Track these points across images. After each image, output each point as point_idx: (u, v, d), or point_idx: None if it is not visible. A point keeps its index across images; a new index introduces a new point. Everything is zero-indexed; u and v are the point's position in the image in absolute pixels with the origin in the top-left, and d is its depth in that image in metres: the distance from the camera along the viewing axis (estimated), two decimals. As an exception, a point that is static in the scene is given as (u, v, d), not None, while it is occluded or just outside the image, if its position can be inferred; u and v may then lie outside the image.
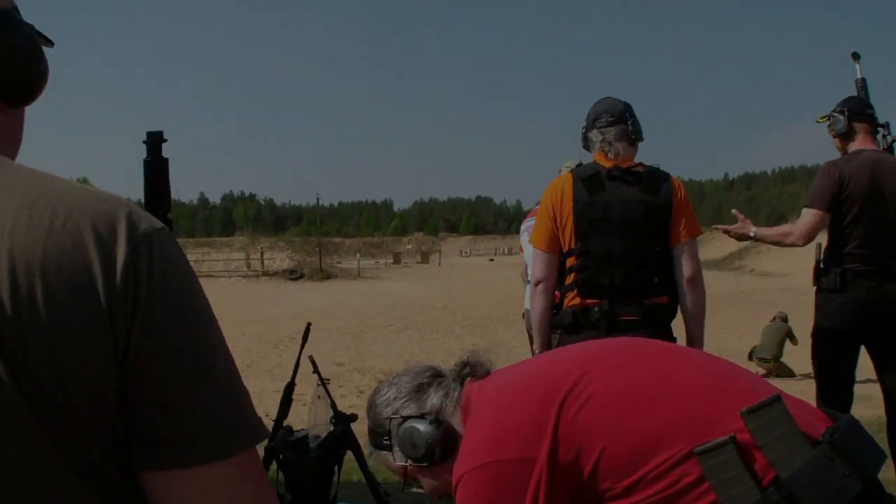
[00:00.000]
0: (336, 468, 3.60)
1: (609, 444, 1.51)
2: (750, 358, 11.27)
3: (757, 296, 25.19)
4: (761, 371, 11.25)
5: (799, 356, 12.61)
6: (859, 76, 4.14)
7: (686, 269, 3.12)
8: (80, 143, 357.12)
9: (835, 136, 3.91)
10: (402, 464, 1.76)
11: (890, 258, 3.78)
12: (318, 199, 59.96)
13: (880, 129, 4.04)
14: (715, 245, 56.17)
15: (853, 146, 3.85)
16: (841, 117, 3.86)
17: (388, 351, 13.55)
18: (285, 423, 3.81)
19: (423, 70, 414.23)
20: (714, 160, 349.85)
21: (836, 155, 3.96)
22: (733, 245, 64.24)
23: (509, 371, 1.80)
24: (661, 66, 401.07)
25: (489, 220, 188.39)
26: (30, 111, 0.99)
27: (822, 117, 4.01)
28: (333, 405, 3.68)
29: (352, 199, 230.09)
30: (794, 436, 1.46)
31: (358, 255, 56.28)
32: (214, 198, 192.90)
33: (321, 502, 3.58)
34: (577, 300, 3.14)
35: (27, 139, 0.98)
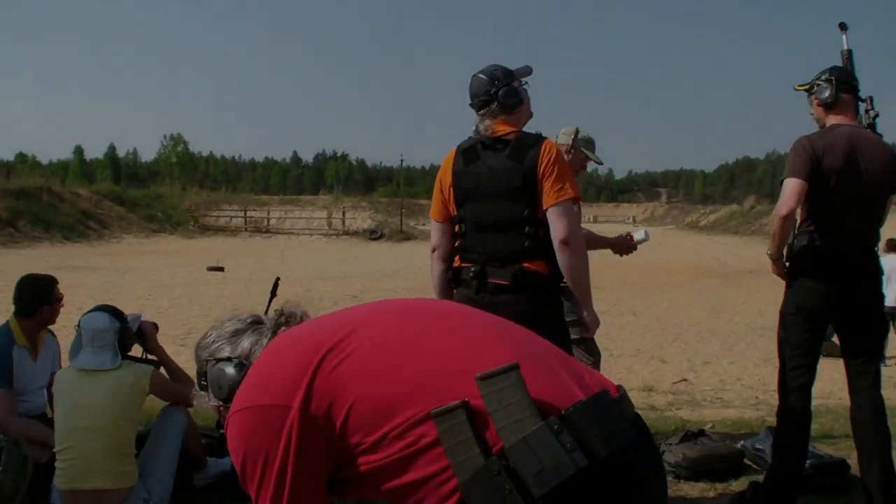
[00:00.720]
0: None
1: (358, 399, 1.51)
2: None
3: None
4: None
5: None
6: (846, 47, 3.94)
7: (556, 231, 3.09)
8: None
9: (818, 105, 3.72)
10: (215, 404, 1.82)
11: (865, 238, 3.65)
12: (401, 160, 60.44)
13: (862, 103, 3.85)
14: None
15: (832, 119, 3.67)
16: (827, 85, 3.66)
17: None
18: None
19: (515, 36, 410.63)
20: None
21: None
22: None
23: (309, 321, 1.81)
24: (755, 36, 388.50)
25: (580, 187, 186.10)
26: None
27: (802, 84, 3.83)
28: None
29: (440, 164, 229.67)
30: (525, 405, 1.42)
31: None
32: (307, 156, 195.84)
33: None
34: (459, 263, 3.30)
35: None
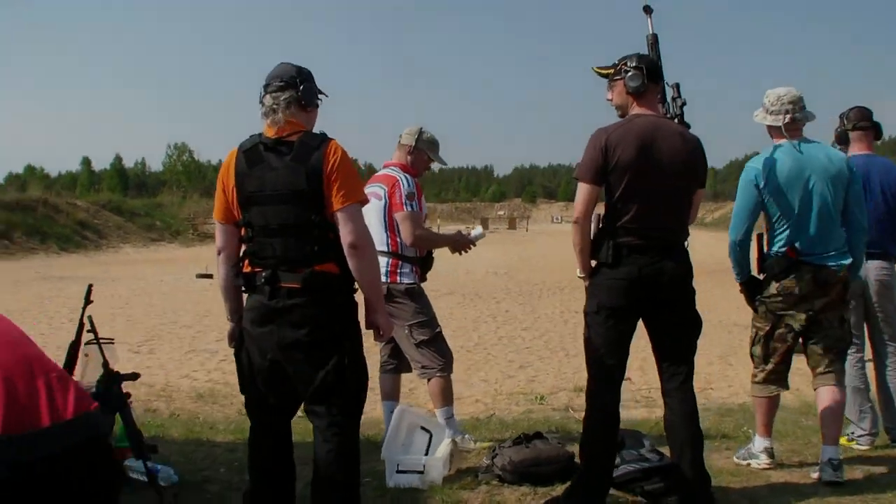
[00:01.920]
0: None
1: None
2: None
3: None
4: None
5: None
6: (651, 31, 3.87)
7: (344, 236, 3.04)
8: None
9: (627, 94, 3.60)
10: None
11: (666, 232, 3.55)
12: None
13: (670, 88, 3.77)
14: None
15: (637, 109, 3.59)
16: (639, 73, 3.55)
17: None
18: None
19: (531, 34, 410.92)
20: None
21: None
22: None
23: None
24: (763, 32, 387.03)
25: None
26: None
27: (605, 68, 3.71)
28: (105, 364, 3.71)
29: (454, 165, 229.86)
30: None
31: (438, 220, 56.73)
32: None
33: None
34: (249, 269, 3.20)
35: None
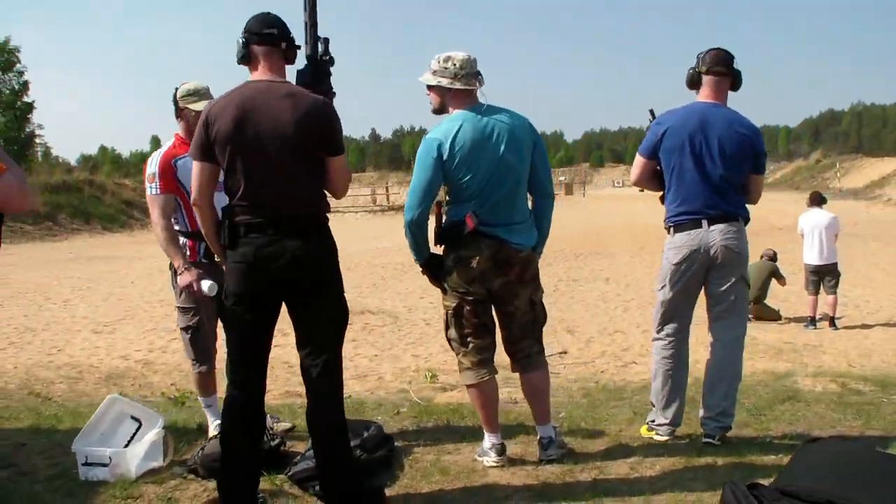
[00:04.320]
0: None
1: None
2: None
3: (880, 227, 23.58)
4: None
5: (790, 295, 11.78)
6: None
7: None
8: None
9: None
10: None
11: (284, 207, 3.20)
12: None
13: (320, 44, 3.37)
14: (856, 174, 52.35)
15: (252, 77, 3.29)
16: (240, 43, 3.25)
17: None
18: None
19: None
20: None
21: None
22: (876, 173, 60.22)
23: None
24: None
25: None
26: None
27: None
28: None
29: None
30: None
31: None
32: (386, 133, 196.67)
33: None
34: None
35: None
